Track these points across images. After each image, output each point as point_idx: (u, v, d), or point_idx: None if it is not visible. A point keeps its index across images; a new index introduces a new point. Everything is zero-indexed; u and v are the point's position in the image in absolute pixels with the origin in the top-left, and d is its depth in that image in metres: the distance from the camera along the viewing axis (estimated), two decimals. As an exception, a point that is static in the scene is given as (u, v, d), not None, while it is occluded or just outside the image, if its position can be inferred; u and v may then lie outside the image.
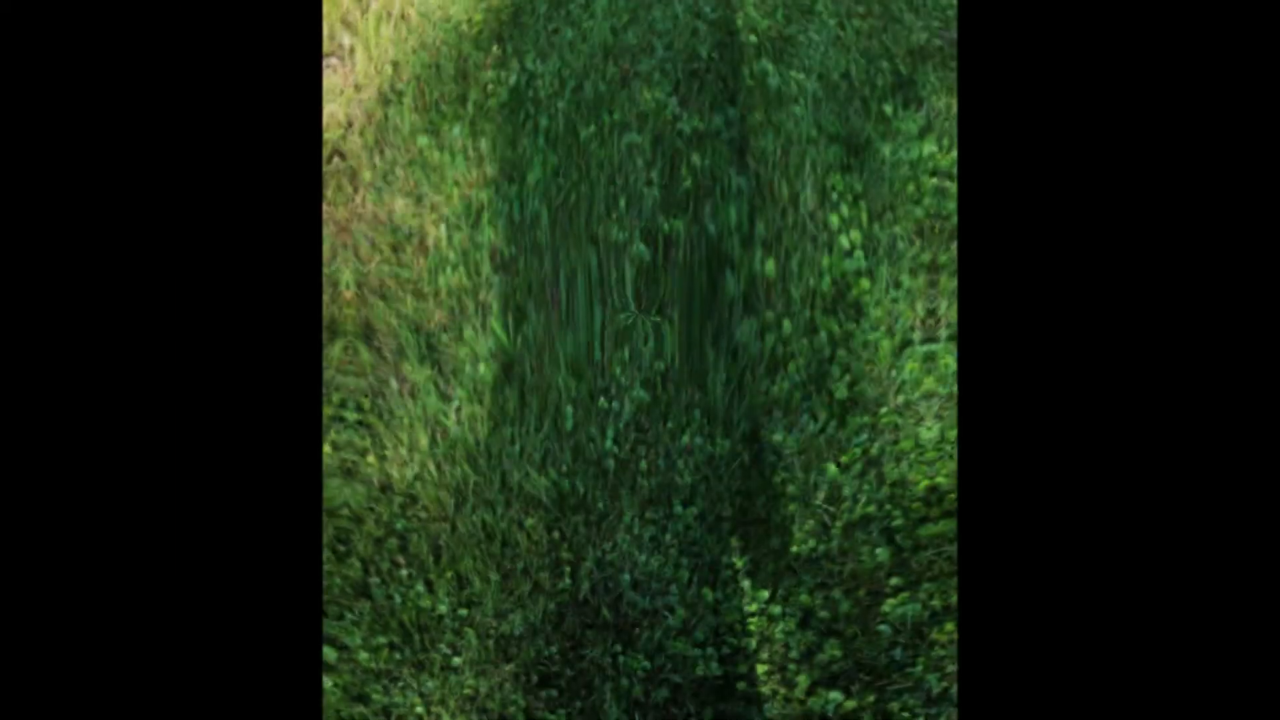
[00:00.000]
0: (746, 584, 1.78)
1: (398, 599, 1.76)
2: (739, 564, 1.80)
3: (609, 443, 1.97)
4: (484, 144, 2.26)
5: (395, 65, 2.46)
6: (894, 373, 1.78)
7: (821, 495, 1.75)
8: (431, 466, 1.91)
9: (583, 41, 2.41)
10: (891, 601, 1.63)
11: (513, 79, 2.37)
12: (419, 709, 1.68)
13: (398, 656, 1.71)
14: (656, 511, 1.91)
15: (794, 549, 1.73)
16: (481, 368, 2.02)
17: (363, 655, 1.69)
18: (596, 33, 2.41)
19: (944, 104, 2.28)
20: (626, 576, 1.86)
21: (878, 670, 1.48)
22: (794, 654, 1.64)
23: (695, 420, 2.01)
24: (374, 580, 1.78)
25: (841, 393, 1.78)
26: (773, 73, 2.24)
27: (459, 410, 1.99)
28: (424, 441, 1.94)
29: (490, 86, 2.39)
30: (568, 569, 1.86)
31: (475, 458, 1.94)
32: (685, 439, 2.03)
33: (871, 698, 1.43)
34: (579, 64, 2.34)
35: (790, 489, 1.78)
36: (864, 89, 2.27)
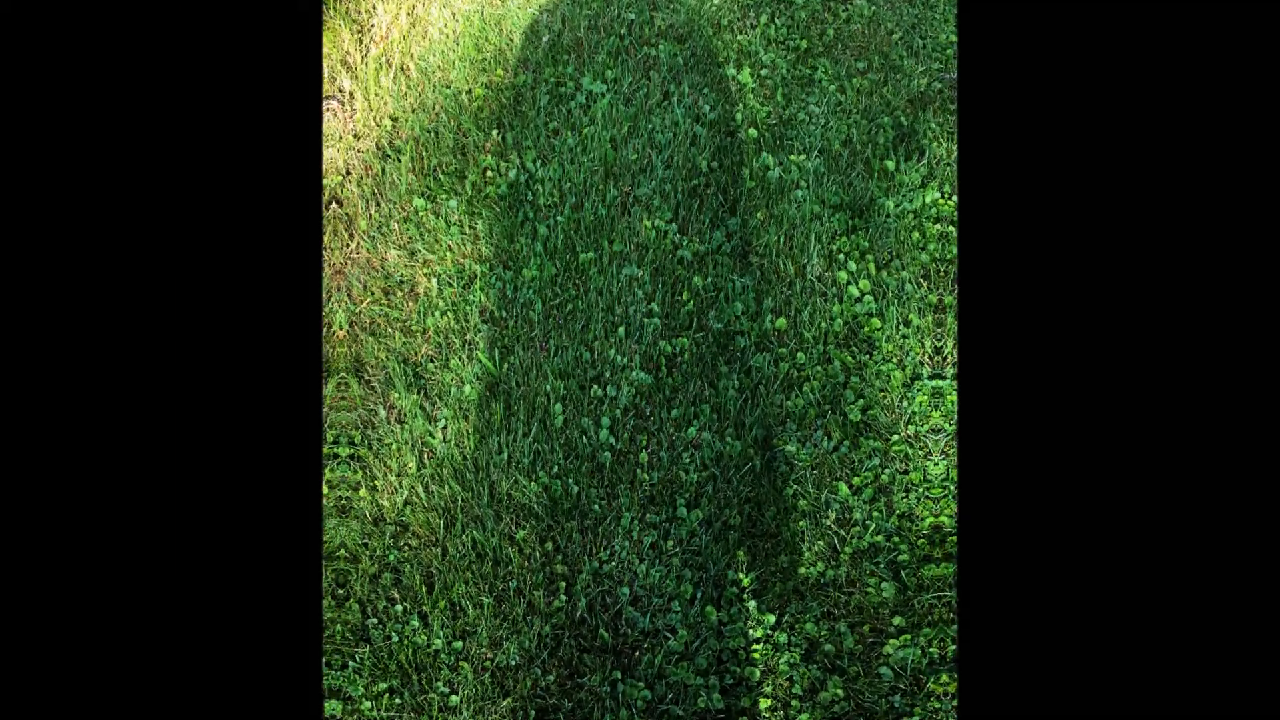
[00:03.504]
0: (752, 605, 1.67)
1: (395, 639, 1.67)
2: (745, 582, 1.69)
3: (604, 433, 1.80)
4: (480, 225, 2.26)
5: (394, 120, 2.55)
6: (905, 403, 1.79)
7: (832, 516, 1.70)
8: (420, 489, 1.83)
9: (583, 152, 2.36)
10: (894, 642, 1.53)
11: (512, 174, 2.34)
12: (420, 755, 1.59)
13: (397, 701, 1.61)
14: (658, 514, 1.69)
15: (802, 570, 1.66)
16: (467, 389, 1.95)
17: (365, 705, 1.60)
18: (597, 144, 2.36)
19: (944, 150, 2.27)
20: (625, 590, 1.64)
21: (877, 716, 1.42)
22: (797, 689, 1.54)
23: (705, 414, 1.88)
24: (371, 622, 1.70)
25: (855, 415, 1.78)
26: (773, 165, 2.25)
27: (445, 429, 1.90)
28: (412, 465, 1.87)
29: (489, 173, 2.37)
30: (563, 584, 1.67)
31: (463, 473, 1.85)
32: (692, 431, 1.81)
33: (870, 749, 1.40)
34: (580, 178, 2.30)
35: (801, 504, 1.73)
36: (866, 150, 2.29)
